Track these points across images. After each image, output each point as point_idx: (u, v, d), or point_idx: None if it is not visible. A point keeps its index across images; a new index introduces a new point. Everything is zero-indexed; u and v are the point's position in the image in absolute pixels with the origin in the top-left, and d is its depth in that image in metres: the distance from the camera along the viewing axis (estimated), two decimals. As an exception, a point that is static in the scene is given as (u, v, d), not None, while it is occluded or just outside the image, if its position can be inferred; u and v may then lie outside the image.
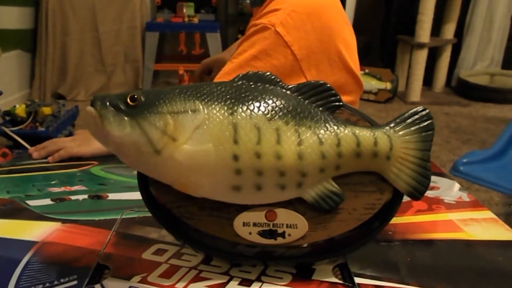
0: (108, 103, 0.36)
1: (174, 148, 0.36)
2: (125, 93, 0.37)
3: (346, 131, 0.40)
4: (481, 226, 0.51)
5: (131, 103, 0.36)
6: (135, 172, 0.42)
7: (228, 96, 0.38)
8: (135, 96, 0.37)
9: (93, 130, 0.36)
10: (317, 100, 0.40)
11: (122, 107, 0.36)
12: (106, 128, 0.36)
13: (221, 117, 0.37)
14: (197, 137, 0.36)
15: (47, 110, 1.85)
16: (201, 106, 0.37)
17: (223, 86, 0.39)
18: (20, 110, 1.79)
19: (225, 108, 0.37)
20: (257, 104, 0.38)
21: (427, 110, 0.42)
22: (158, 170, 0.38)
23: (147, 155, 0.36)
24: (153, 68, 2.87)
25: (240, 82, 0.40)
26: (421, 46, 2.77)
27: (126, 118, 0.36)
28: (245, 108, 0.38)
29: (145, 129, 0.36)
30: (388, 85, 2.88)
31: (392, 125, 0.41)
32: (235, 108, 0.38)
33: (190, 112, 0.37)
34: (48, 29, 2.62)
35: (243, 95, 0.39)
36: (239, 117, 0.37)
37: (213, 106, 0.37)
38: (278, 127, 0.38)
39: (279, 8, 0.68)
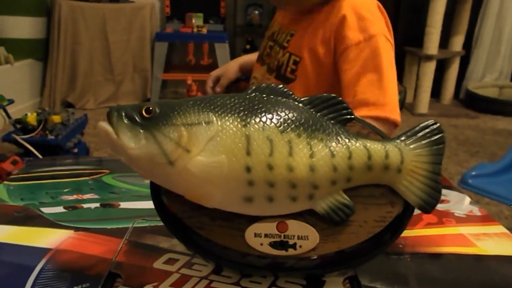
0: (123, 116, 0.37)
1: (187, 160, 0.36)
2: (140, 105, 0.38)
3: (358, 144, 0.40)
4: (493, 240, 0.51)
5: (146, 115, 0.37)
6: (147, 181, 0.43)
7: (241, 108, 0.39)
8: (150, 108, 0.37)
9: (108, 143, 0.37)
10: (329, 113, 0.41)
11: (137, 119, 0.37)
12: (121, 141, 0.36)
13: (234, 128, 0.38)
14: (210, 149, 0.37)
15: (56, 119, 1.89)
16: (214, 118, 0.38)
17: (236, 98, 0.40)
18: (31, 118, 1.82)
19: (238, 119, 0.38)
20: (269, 116, 0.39)
21: (438, 124, 0.42)
22: (172, 181, 0.38)
23: (161, 167, 0.36)
24: (162, 78, 2.89)
25: (253, 94, 0.40)
26: (429, 58, 2.77)
27: (141, 130, 0.36)
28: (258, 120, 0.38)
29: (159, 140, 0.36)
30: (395, 97, 2.87)
31: (402, 138, 0.42)
32: (248, 120, 0.38)
33: (203, 124, 0.37)
34: (60, 38, 2.66)
35: (255, 107, 0.39)
36: (252, 128, 0.38)
37: (227, 118, 0.38)
38: (290, 140, 0.38)
39: (366, 17, 0.72)
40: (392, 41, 0.73)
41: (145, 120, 0.37)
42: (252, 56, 1.02)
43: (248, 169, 0.37)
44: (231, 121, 0.38)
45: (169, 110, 0.38)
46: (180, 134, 0.37)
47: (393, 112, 0.70)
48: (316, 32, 0.76)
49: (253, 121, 0.38)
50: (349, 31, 0.71)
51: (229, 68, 1.00)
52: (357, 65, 0.70)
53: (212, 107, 0.38)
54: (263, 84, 0.41)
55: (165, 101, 0.39)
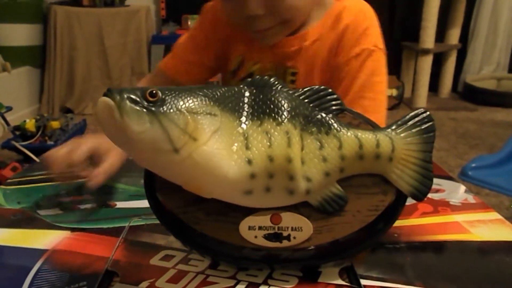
0: (126, 97, 0.34)
1: (194, 148, 0.35)
2: (143, 88, 0.35)
3: (349, 134, 0.40)
4: (487, 227, 0.51)
5: (150, 98, 0.35)
6: (143, 181, 0.43)
7: (241, 99, 0.39)
8: (154, 92, 0.35)
9: (108, 124, 0.34)
10: (321, 103, 0.41)
11: (142, 102, 0.35)
12: (125, 123, 0.33)
13: (236, 121, 0.38)
14: (214, 140, 0.36)
15: (55, 124, 1.89)
16: (218, 110, 0.37)
17: (235, 90, 0.40)
18: (30, 124, 1.83)
19: (240, 111, 0.38)
20: (267, 108, 0.39)
21: (428, 112, 0.42)
22: (173, 170, 0.36)
23: (164, 153, 0.35)
24: (160, 81, 2.89)
25: (250, 87, 0.40)
26: (426, 52, 2.77)
27: (145, 113, 0.34)
28: (258, 112, 0.38)
29: (165, 125, 0.34)
30: (394, 92, 2.88)
31: (393, 127, 0.42)
32: (249, 111, 0.38)
33: (208, 114, 0.36)
34: (56, 44, 2.67)
35: (254, 101, 0.39)
36: (253, 120, 0.38)
37: (229, 109, 0.38)
38: (288, 130, 0.38)
39: (365, 27, 0.66)
40: (383, 46, 0.68)
41: (150, 104, 0.35)
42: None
43: (250, 162, 0.37)
44: (233, 112, 0.38)
45: (173, 96, 0.36)
46: (186, 121, 0.35)
47: None
48: (322, 59, 0.67)
49: (253, 113, 0.38)
50: (344, 48, 0.66)
51: (105, 145, 0.60)
52: (346, 82, 0.65)
53: (215, 98, 0.38)
54: (258, 77, 0.41)
55: (167, 87, 0.37)
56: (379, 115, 0.65)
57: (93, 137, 0.61)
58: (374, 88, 0.65)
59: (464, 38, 3.12)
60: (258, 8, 0.59)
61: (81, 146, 0.58)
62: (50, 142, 1.76)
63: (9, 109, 1.90)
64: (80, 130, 1.97)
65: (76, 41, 2.72)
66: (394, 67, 3.10)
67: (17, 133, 1.79)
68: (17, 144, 1.71)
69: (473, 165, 1.34)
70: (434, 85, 3.03)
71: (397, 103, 2.88)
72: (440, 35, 2.90)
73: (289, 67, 0.68)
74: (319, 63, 0.68)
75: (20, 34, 2.55)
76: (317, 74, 0.68)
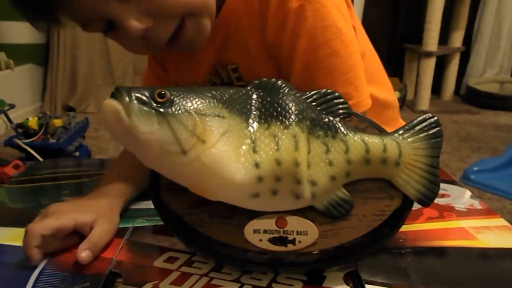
0: (134, 97, 0.34)
1: (202, 150, 0.35)
2: (151, 89, 0.35)
3: (355, 138, 0.40)
4: (493, 233, 0.51)
5: (159, 99, 0.35)
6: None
7: (249, 102, 0.39)
8: (163, 93, 0.35)
9: (114, 125, 0.34)
10: (328, 107, 0.41)
11: (150, 103, 0.34)
12: (133, 123, 0.33)
13: (244, 123, 0.37)
14: (223, 142, 0.36)
15: (58, 122, 1.89)
16: (226, 112, 0.37)
17: (242, 93, 0.39)
18: (33, 122, 1.82)
19: (248, 114, 0.38)
20: (275, 111, 0.39)
21: (436, 117, 0.42)
22: (181, 172, 0.36)
23: (172, 155, 0.34)
24: (162, 80, 2.89)
25: (257, 89, 0.40)
26: (429, 54, 2.77)
27: (154, 114, 0.34)
28: (265, 115, 0.38)
29: (174, 127, 0.34)
30: (396, 94, 2.88)
31: (401, 132, 0.42)
32: (257, 113, 0.38)
33: (217, 116, 0.36)
34: (59, 43, 2.67)
35: (261, 104, 0.39)
36: (261, 123, 0.38)
37: (236, 112, 0.38)
38: (295, 134, 0.38)
39: None
40: None
41: (158, 105, 0.34)
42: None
43: (257, 165, 0.36)
44: (241, 116, 0.38)
45: (181, 97, 0.36)
46: (195, 123, 0.35)
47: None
48: (256, 40, 0.53)
49: (261, 116, 0.38)
50: (271, 16, 0.50)
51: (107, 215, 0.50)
52: (294, 58, 0.50)
53: (223, 100, 0.37)
54: (264, 79, 0.41)
55: (175, 88, 0.37)
56: (352, 74, 0.50)
57: (73, 209, 0.49)
58: (328, 51, 0.49)
59: (468, 41, 3.11)
60: (141, 21, 0.45)
61: (60, 220, 0.46)
62: (52, 140, 1.76)
63: (12, 106, 1.89)
64: (83, 128, 1.97)
65: (79, 40, 2.72)
66: (397, 69, 3.10)
67: (20, 130, 1.79)
68: (19, 142, 1.71)
69: (475, 168, 1.33)
70: (437, 88, 3.02)
71: (400, 105, 2.87)
72: (443, 37, 2.89)
73: (228, 64, 0.56)
74: (253, 46, 0.53)
75: (24, 32, 2.55)
76: (259, 61, 0.54)
